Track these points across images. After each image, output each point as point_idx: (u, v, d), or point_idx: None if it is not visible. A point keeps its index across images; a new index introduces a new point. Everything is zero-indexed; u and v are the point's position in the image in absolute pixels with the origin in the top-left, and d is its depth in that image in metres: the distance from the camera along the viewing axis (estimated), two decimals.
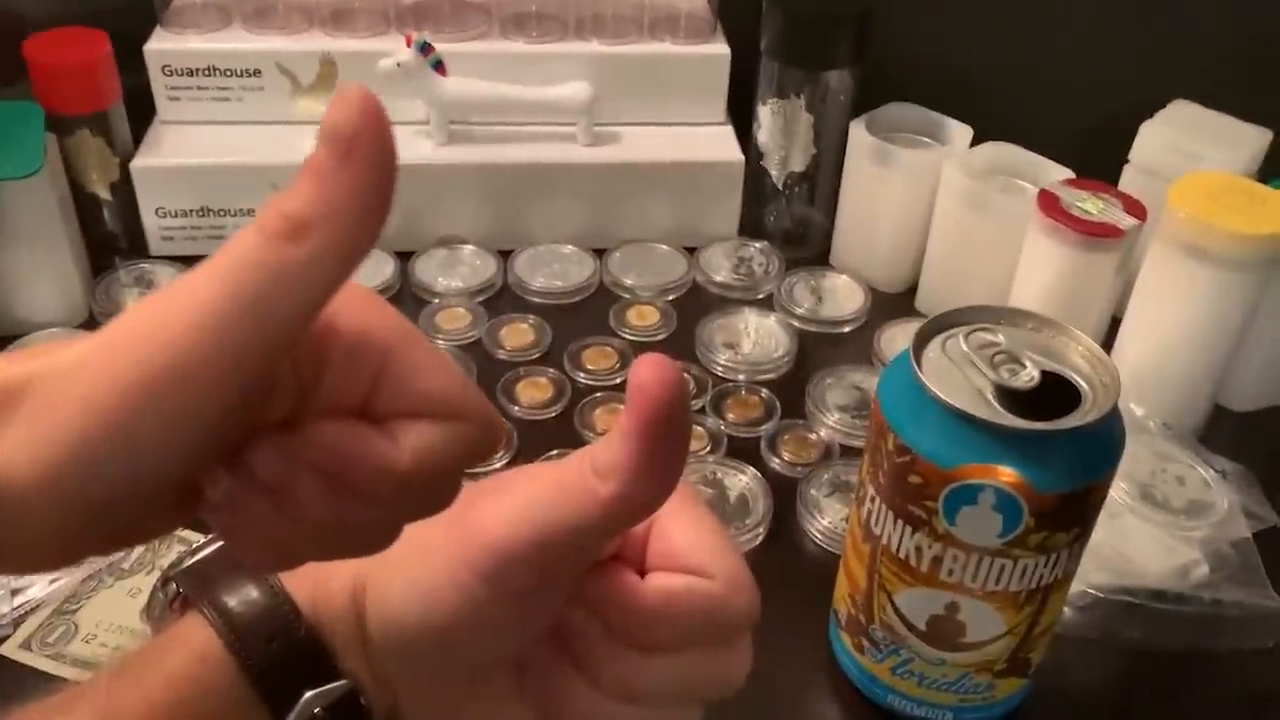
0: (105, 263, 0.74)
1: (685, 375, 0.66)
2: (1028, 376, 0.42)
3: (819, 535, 0.59)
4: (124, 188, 0.73)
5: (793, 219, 0.80)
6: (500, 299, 0.75)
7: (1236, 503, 0.59)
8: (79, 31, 0.70)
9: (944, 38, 0.84)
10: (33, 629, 0.52)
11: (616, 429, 0.29)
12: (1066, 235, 0.62)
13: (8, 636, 0.51)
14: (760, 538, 0.59)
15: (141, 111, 0.75)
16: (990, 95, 0.78)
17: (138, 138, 0.75)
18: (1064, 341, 0.45)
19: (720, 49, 0.78)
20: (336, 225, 0.23)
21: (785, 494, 0.60)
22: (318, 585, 0.35)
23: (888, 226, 0.75)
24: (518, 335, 0.71)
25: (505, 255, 0.77)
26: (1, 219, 0.65)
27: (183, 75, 0.75)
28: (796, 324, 0.73)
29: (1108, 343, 0.67)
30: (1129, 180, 0.71)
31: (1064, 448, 0.41)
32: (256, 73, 0.75)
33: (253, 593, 0.34)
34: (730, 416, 0.66)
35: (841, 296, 0.76)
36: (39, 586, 0.53)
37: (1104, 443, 0.43)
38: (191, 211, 0.74)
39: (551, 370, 0.68)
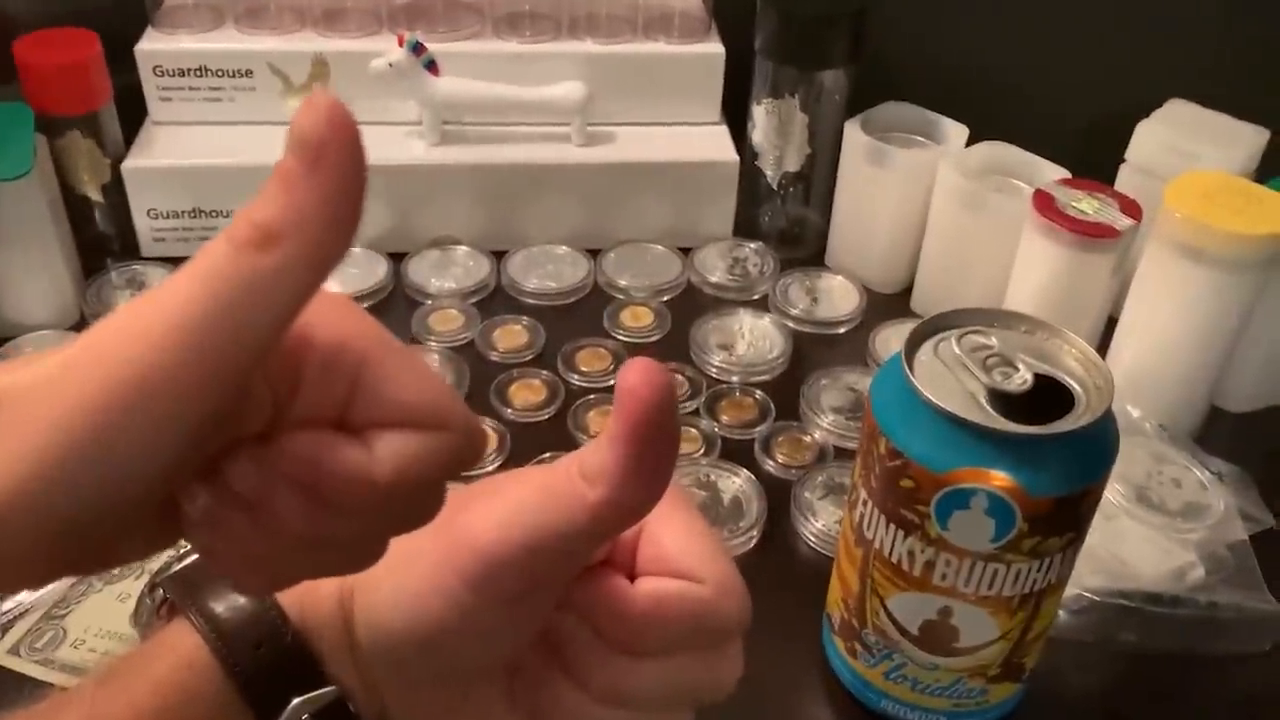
0: (97, 264, 0.73)
1: (674, 379, 0.66)
2: (1021, 380, 0.42)
3: (813, 538, 0.59)
4: (115, 189, 0.73)
5: (788, 219, 0.80)
6: (494, 300, 0.75)
7: (1233, 505, 0.59)
8: (69, 32, 0.70)
9: (939, 37, 0.84)
10: (21, 634, 0.52)
11: (605, 433, 0.29)
12: (1062, 235, 0.62)
13: None
14: (754, 540, 0.58)
15: (133, 112, 0.75)
16: (986, 94, 0.78)
17: (129, 139, 0.74)
18: (1057, 344, 0.45)
19: (715, 48, 0.78)
20: (306, 234, 0.23)
21: (779, 496, 0.60)
22: (305, 591, 0.35)
23: (883, 226, 0.75)
24: (511, 337, 0.71)
25: (499, 256, 0.77)
26: None
27: (174, 76, 0.75)
28: (791, 325, 0.73)
29: (1104, 343, 0.67)
30: (1125, 180, 0.71)
31: (1057, 452, 0.41)
32: (248, 73, 0.75)
33: (240, 599, 0.34)
34: (724, 418, 0.66)
35: (837, 297, 0.76)
36: (28, 591, 0.53)
37: (1098, 446, 0.42)
38: (183, 213, 0.74)
39: (545, 372, 0.68)
